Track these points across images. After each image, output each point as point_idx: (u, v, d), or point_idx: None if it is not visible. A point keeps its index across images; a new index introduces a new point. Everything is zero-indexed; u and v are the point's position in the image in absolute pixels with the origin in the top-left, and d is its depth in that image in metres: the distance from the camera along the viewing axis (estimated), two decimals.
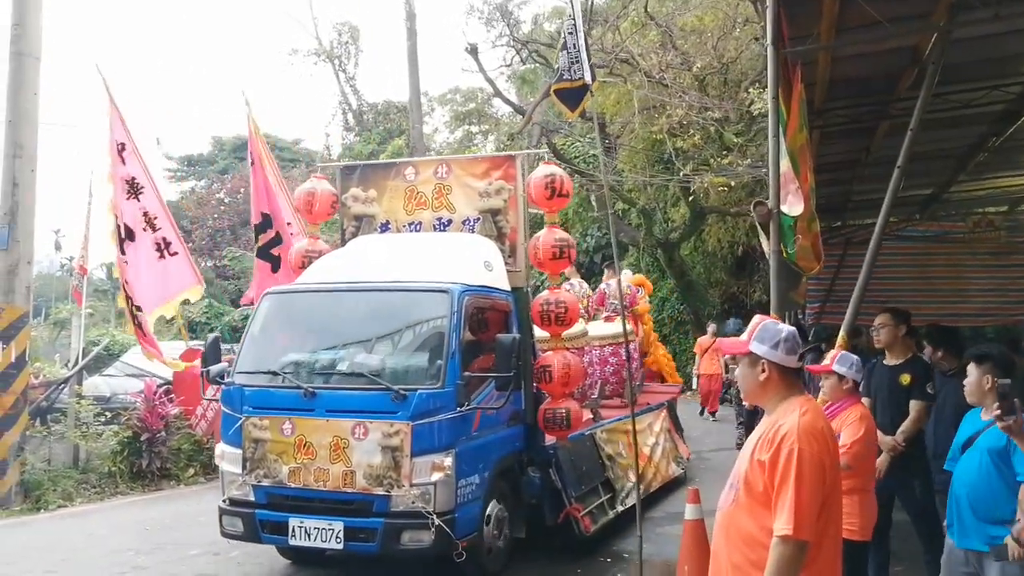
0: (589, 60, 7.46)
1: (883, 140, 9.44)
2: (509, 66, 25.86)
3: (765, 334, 3.39)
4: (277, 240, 12.56)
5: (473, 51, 23.86)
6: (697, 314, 25.56)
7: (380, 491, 6.92)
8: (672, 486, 11.44)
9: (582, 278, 14.02)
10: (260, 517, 7.25)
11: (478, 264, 7.97)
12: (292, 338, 7.84)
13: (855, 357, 5.66)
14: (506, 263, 8.37)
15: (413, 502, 6.85)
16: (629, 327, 11.43)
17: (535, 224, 8.58)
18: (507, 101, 25.76)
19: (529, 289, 8.56)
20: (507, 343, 7.18)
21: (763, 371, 3.37)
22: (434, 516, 6.85)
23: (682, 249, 25.98)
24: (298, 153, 39.08)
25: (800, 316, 18.22)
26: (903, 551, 7.03)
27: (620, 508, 9.27)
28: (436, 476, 6.93)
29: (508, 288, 8.18)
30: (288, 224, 12.70)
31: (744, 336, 3.47)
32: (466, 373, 7.15)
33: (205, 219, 34.60)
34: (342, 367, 7.35)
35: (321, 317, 7.85)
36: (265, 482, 7.21)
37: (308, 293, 7.94)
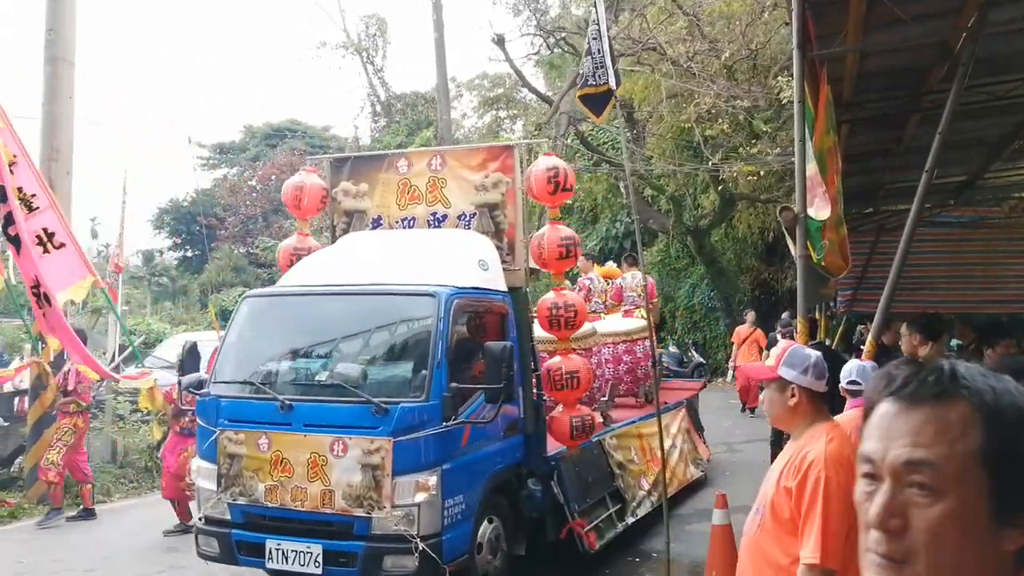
0: (614, 65, 7.04)
1: (915, 130, 8.96)
2: (536, 53, 24.98)
3: (795, 359, 3.33)
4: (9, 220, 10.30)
5: (500, 41, 23.01)
6: (727, 300, 24.74)
7: (360, 513, 6.21)
8: (695, 486, 10.71)
9: (613, 264, 13.23)
10: (236, 537, 6.58)
11: (472, 263, 7.20)
12: (270, 345, 7.14)
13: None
14: (504, 261, 7.59)
15: (396, 525, 6.13)
16: (642, 323, 10.77)
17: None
18: (534, 91, 24.89)
19: (528, 289, 7.73)
20: (497, 352, 6.40)
21: (793, 396, 3.31)
22: (418, 540, 6.12)
23: (712, 236, 25.10)
24: (327, 140, 38.53)
25: (832, 304, 17.39)
26: None
27: (631, 520, 8.49)
28: (420, 497, 6.20)
29: (505, 289, 7.40)
30: (34, 196, 10.28)
31: (771, 360, 3.41)
32: (453, 384, 6.38)
33: (237, 207, 34.18)
34: (320, 378, 6.62)
35: (300, 322, 7.12)
36: (241, 500, 6.53)
37: (286, 296, 7.22)
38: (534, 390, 7.49)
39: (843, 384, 5.06)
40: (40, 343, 11.03)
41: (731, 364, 18.05)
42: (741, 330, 17.85)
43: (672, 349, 26.00)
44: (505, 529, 7.18)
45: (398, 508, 6.15)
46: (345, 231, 8.06)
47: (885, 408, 1.28)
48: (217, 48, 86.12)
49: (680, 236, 25.15)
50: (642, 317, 11.62)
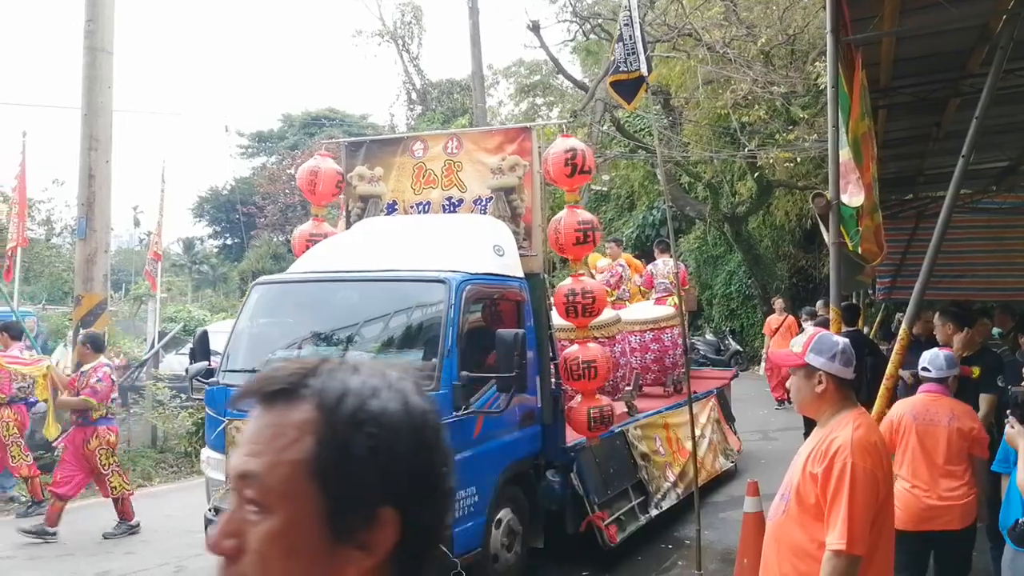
0: (645, 52, 6.82)
1: (954, 115, 8.69)
2: (572, 40, 24.55)
3: (822, 346, 3.27)
4: None
5: (535, 28, 22.61)
6: (765, 288, 24.23)
7: None
8: (726, 477, 10.38)
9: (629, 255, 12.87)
10: None
11: (486, 249, 6.90)
12: (279, 333, 6.91)
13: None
14: (520, 247, 7.28)
15: None
16: (670, 311, 10.40)
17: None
18: (570, 78, 24.42)
19: (546, 276, 7.41)
20: (508, 339, 6.10)
21: (820, 383, 3.26)
22: None
23: (749, 223, 24.57)
24: (364, 128, 38.31)
25: (870, 292, 16.87)
26: None
27: (654, 512, 8.15)
28: None
29: (521, 275, 7.09)
30: None
31: (798, 348, 3.35)
32: (464, 373, 6.10)
33: (276, 195, 34.13)
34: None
35: (309, 309, 6.88)
36: None
37: (296, 283, 6.97)
38: (553, 379, 7.17)
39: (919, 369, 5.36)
40: (82, 331, 10.69)
41: (764, 357, 16.84)
42: (772, 320, 16.58)
43: (709, 337, 25.60)
44: (522, 521, 6.91)
45: None
46: (360, 216, 7.80)
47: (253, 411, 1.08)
48: (255, 37, 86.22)
49: (717, 223, 24.66)
50: (674, 304, 11.31)
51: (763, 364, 17.09)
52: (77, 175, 11.32)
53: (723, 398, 11.51)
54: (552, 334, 7.34)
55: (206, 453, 6.73)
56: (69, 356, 12.40)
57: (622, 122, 23.61)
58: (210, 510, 6.58)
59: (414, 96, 25.53)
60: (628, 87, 7.02)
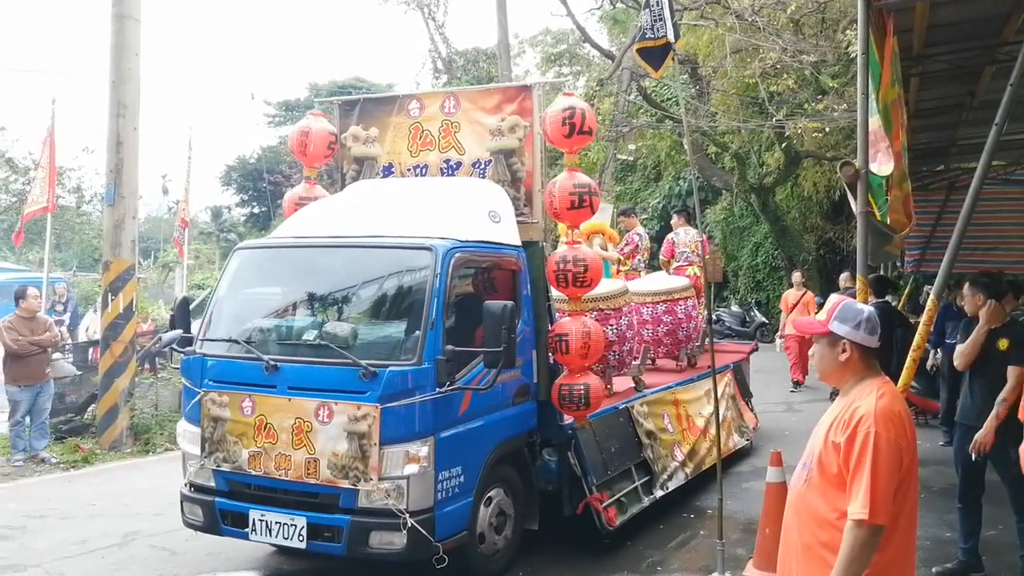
0: (672, 18, 6.38)
1: (989, 83, 8.49)
2: (599, 8, 23.72)
3: (847, 313, 3.18)
4: None
5: None
6: (791, 260, 23.53)
7: (346, 484, 5.48)
8: (740, 455, 9.85)
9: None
10: (220, 506, 5.92)
11: (481, 215, 6.35)
12: (258, 301, 6.40)
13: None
14: (520, 213, 6.71)
15: (383, 499, 5.39)
16: (683, 282, 9.79)
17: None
18: (596, 46, 23.63)
19: (546, 244, 6.83)
20: (496, 311, 5.55)
21: (844, 351, 3.16)
22: (407, 516, 5.36)
23: (776, 194, 23.80)
24: None
25: (898, 264, 16.20)
26: (996, 516, 6.61)
27: (660, 493, 7.60)
28: (410, 469, 5.44)
29: (518, 243, 6.52)
30: None
31: (822, 315, 3.25)
32: (449, 347, 5.56)
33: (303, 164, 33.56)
34: (308, 337, 5.86)
35: (290, 277, 6.37)
36: (225, 467, 5.86)
37: (276, 249, 6.47)
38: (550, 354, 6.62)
39: None
40: (111, 296, 10.98)
41: (779, 335, 15.42)
42: (789, 295, 15.36)
43: (734, 308, 24.95)
44: (515, 503, 6.39)
45: (386, 480, 5.42)
46: (355, 179, 7.27)
47: None
48: (283, 5, 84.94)
49: (744, 194, 23.95)
50: (696, 275, 10.70)
51: (778, 343, 15.86)
52: (106, 142, 11.28)
53: (740, 373, 10.89)
54: (551, 306, 6.77)
55: (182, 426, 6.27)
56: (98, 321, 12.49)
57: (649, 92, 22.93)
58: (186, 485, 6.13)
59: (440, 65, 24.89)
60: (655, 54, 6.59)
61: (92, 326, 16.81)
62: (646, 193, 27.88)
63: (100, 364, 11.22)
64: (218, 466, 5.86)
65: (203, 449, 5.91)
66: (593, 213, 6.53)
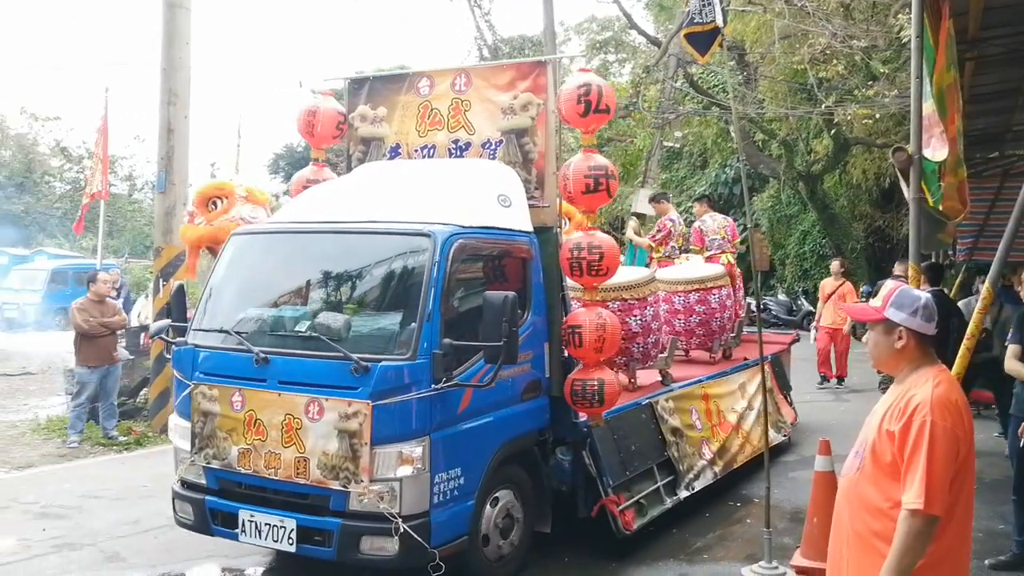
0: (721, 3, 6.10)
1: None
2: None
3: (903, 300, 3.05)
4: None
5: None
6: (839, 248, 22.62)
7: (336, 485, 4.97)
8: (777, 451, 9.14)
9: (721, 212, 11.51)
10: (210, 505, 5.46)
11: (489, 198, 5.78)
12: (253, 289, 5.91)
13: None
14: (532, 197, 6.13)
15: (379, 499, 4.87)
16: (717, 270, 9.13)
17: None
18: (643, 33, 22.82)
19: (559, 230, 6.23)
20: (496, 303, 4.99)
21: (900, 338, 3.04)
22: (399, 520, 4.84)
23: (825, 181, 22.85)
24: None
25: (950, 253, 15.40)
26: None
27: (684, 494, 6.98)
28: (403, 470, 4.93)
29: (529, 228, 5.94)
30: None
31: (877, 302, 3.14)
32: (446, 341, 5.02)
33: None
34: (300, 328, 5.36)
35: (284, 264, 5.87)
36: (215, 464, 5.40)
37: (271, 235, 5.98)
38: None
39: None
40: (162, 282, 10.83)
41: (814, 326, 14.28)
42: (826, 284, 14.23)
43: (781, 297, 24.12)
44: (524, 505, 5.84)
45: (377, 482, 4.91)
46: (361, 160, 6.75)
47: None
48: None
49: (791, 182, 23.02)
50: (731, 263, 10.03)
51: (812, 334, 14.60)
52: (157, 130, 11.19)
53: (779, 365, 10.16)
54: (565, 295, 6.18)
55: (173, 420, 5.83)
56: (150, 307, 12.37)
57: (695, 78, 22.15)
58: (177, 482, 5.68)
59: (485, 52, 24.21)
60: (702, 39, 6.26)
61: (144, 312, 16.74)
62: (692, 180, 27.03)
63: (152, 349, 11.07)
64: (208, 463, 5.41)
65: (193, 445, 5.46)
66: (610, 197, 5.93)
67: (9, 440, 10.29)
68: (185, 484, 5.63)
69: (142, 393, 11.56)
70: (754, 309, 14.33)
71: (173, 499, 5.71)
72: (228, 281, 5.87)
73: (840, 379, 13.94)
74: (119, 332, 10.71)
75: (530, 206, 6.05)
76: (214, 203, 8.49)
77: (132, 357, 12.10)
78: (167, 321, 5.75)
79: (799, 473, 8.34)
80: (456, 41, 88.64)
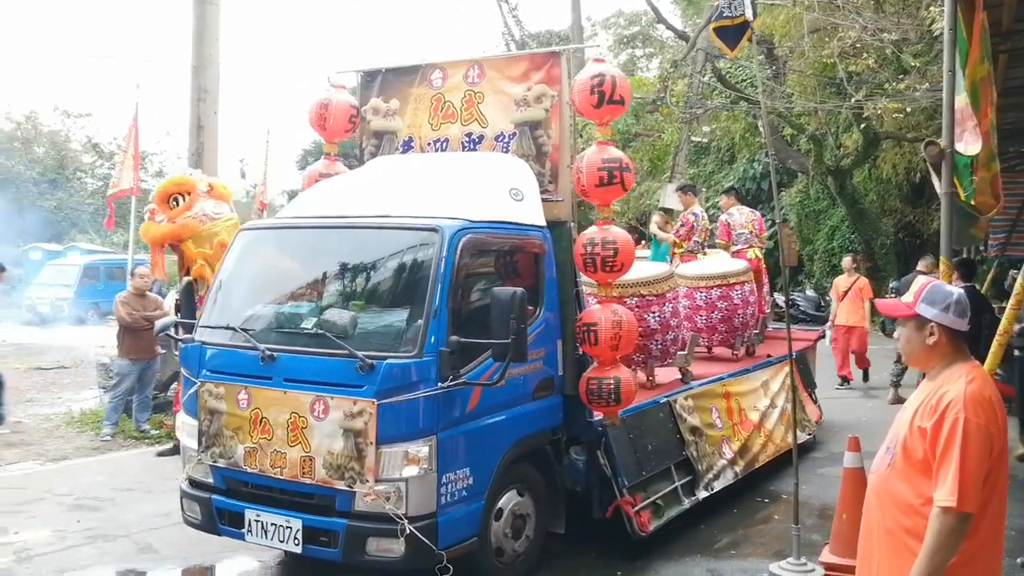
0: None
1: None
2: None
3: (935, 295, 2.99)
4: None
5: None
6: (869, 243, 22.19)
7: (342, 485, 4.82)
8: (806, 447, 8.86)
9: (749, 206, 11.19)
10: (217, 504, 5.33)
11: (501, 193, 5.59)
12: (259, 286, 5.76)
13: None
14: (546, 190, 5.92)
15: (385, 500, 4.71)
16: (740, 265, 8.87)
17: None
18: (670, 27, 22.52)
19: (574, 224, 6.02)
20: (504, 299, 4.80)
21: (931, 334, 2.98)
22: (405, 522, 4.67)
23: (854, 176, 22.39)
24: None
25: (983, 248, 15.03)
26: None
27: (703, 494, 6.75)
28: (409, 471, 4.76)
29: (542, 223, 5.74)
30: None
31: (908, 297, 3.04)
32: (453, 338, 4.84)
33: None
34: (306, 325, 5.21)
35: (291, 260, 5.73)
36: (221, 462, 5.26)
37: (277, 230, 5.83)
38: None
39: None
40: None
41: (829, 325, 13.37)
42: (840, 282, 13.38)
43: (809, 293, 23.68)
44: (536, 505, 5.65)
45: (383, 483, 4.74)
46: (374, 154, 6.58)
47: None
48: None
49: (820, 176, 22.60)
50: (757, 258, 9.76)
51: (828, 336, 13.41)
52: (187, 126, 11.18)
53: (803, 362, 9.86)
54: (579, 292, 5.98)
55: (181, 418, 5.70)
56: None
57: (724, 73, 21.81)
58: (184, 480, 5.56)
59: (513, 48, 23.99)
60: (731, 33, 6.09)
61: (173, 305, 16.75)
62: (720, 176, 26.64)
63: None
64: (215, 462, 5.28)
65: (200, 443, 5.33)
66: (625, 190, 5.71)
67: (44, 433, 10.35)
68: (193, 483, 5.51)
69: (172, 387, 11.28)
70: (780, 304, 14.05)
71: (181, 498, 5.59)
72: (235, 277, 5.73)
73: (864, 375, 13.34)
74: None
75: (544, 200, 5.85)
76: (175, 200, 8.40)
77: (164, 351, 12.20)
78: (172, 318, 5.63)
79: (827, 469, 8.18)
80: (484, 36, 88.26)
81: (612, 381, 5.62)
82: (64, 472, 8.58)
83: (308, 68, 73.34)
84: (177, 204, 8.31)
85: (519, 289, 4.83)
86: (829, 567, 5.44)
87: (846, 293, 12.94)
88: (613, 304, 5.73)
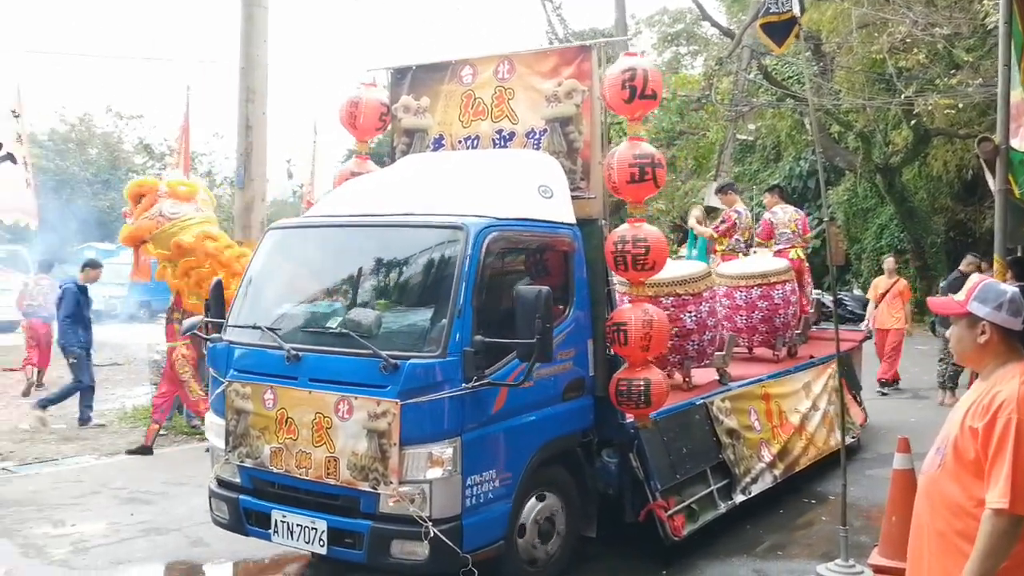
0: None
1: None
2: None
3: (987, 294, 2.91)
4: None
5: None
6: (918, 242, 21.58)
7: (366, 487, 4.71)
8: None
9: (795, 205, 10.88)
10: (244, 504, 5.27)
11: (530, 190, 5.43)
12: (286, 285, 5.70)
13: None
14: (577, 187, 5.75)
15: (409, 502, 4.60)
16: (781, 264, 8.60)
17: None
18: (715, 24, 22.13)
19: (606, 222, 5.84)
20: (529, 298, 4.65)
21: (983, 333, 2.90)
22: (429, 524, 4.55)
23: (903, 174, 21.78)
24: None
25: None
26: None
27: (740, 498, 6.53)
28: (433, 472, 4.64)
29: (572, 220, 5.57)
30: None
31: (960, 295, 2.97)
32: (478, 338, 4.70)
33: None
34: (331, 324, 5.11)
35: (317, 259, 5.63)
36: (248, 462, 5.20)
37: (304, 229, 5.74)
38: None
39: None
40: None
41: (867, 324, 12.60)
42: (879, 282, 12.75)
43: (857, 292, 23.14)
44: (567, 508, 5.49)
45: (407, 484, 4.63)
46: (405, 153, 6.46)
47: None
48: None
49: (868, 174, 22.03)
50: (800, 258, 9.48)
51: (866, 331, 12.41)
52: (236, 127, 11.21)
53: (847, 364, 9.53)
54: (611, 291, 5.80)
55: (209, 417, 5.64)
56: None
57: (770, 70, 21.36)
58: (213, 480, 5.50)
59: (556, 46, 23.85)
60: (778, 29, 5.97)
61: None
62: (765, 174, 26.15)
63: None
64: (242, 461, 5.21)
65: (227, 443, 5.27)
66: (657, 187, 5.52)
67: (98, 428, 10.48)
68: (221, 483, 5.45)
69: None
70: (827, 304, 13.65)
71: (210, 497, 5.54)
72: (262, 276, 5.66)
73: (892, 383, 12.56)
74: None
75: (575, 197, 5.68)
76: (140, 201, 8.43)
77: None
78: (199, 317, 5.58)
79: (876, 471, 7.97)
80: (527, 34, 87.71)
81: (642, 383, 5.44)
82: (118, 466, 8.72)
83: (356, 68, 73.62)
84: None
85: (544, 288, 4.68)
86: (878, 569, 5.27)
87: (884, 295, 12.42)
88: (645, 303, 5.55)
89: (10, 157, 12.05)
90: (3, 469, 8.52)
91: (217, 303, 5.72)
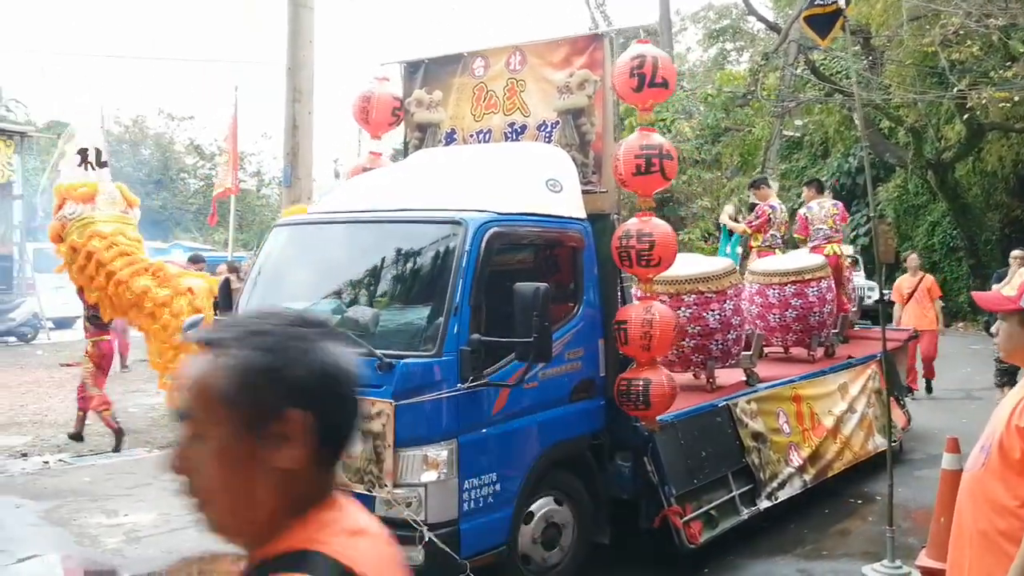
0: None
1: None
2: None
3: None
4: None
5: None
6: (972, 240, 20.73)
7: (360, 489, 4.49)
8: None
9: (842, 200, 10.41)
10: None
11: (537, 183, 5.17)
12: (286, 282, 5.51)
13: None
14: (589, 181, 5.46)
15: (404, 506, 4.37)
16: (816, 260, 8.18)
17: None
18: (761, 18, 21.54)
19: (617, 217, 5.53)
20: (526, 295, 4.38)
21: None
22: (424, 529, 4.32)
23: (956, 170, 20.92)
24: None
25: None
26: None
27: (766, 504, 6.16)
28: (428, 475, 4.41)
29: (582, 215, 5.29)
30: None
31: (1012, 291, 2.83)
32: (475, 337, 4.45)
33: None
34: (329, 322, 4.89)
35: (318, 256, 5.43)
36: None
37: (306, 226, 5.54)
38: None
39: None
40: None
41: (896, 326, 11.33)
42: (903, 282, 11.82)
43: None
44: (576, 514, 5.20)
45: (402, 488, 4.39)
46: (418, 148, 6.23)
47: None
48: None
49: (920, 170, 21.19)
50: (834, 253, 9.03)
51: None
52: (283, 126, 11.18)
53: (891, 365, 9.00)
54: (624, 288, 5.50)
55: None
56: None
57: (817, 64, 20.72)
58: None
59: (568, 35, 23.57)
60: (823, 21, 5.71)
61: None
62: (813, 170, 25.38)
63: None
64: None
65: None
66: (666, 179, 5.20)
67: (150, 422, 10.59)
68: None
69: None
70: (870, 302, 13.11)
71: None
72: (265, 273, 5.49)
73: (927, 385, 11.67)
74: None
75: (586, 191, 5.40)
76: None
77: None
78: (199, 316, 5.43)
79: (925, 472, 7.71)
80: (570, 30, 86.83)
81: (641, 383, 5.13)
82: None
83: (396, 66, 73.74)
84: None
85: (542, 284, 4.40)
86: (926, 571, 5.06)
87: (911, 295, 11.52)
88: (652, 301, 5.23)
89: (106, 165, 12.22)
90: (60, 460, 8.66)
91: (225, 300, 5.57)
